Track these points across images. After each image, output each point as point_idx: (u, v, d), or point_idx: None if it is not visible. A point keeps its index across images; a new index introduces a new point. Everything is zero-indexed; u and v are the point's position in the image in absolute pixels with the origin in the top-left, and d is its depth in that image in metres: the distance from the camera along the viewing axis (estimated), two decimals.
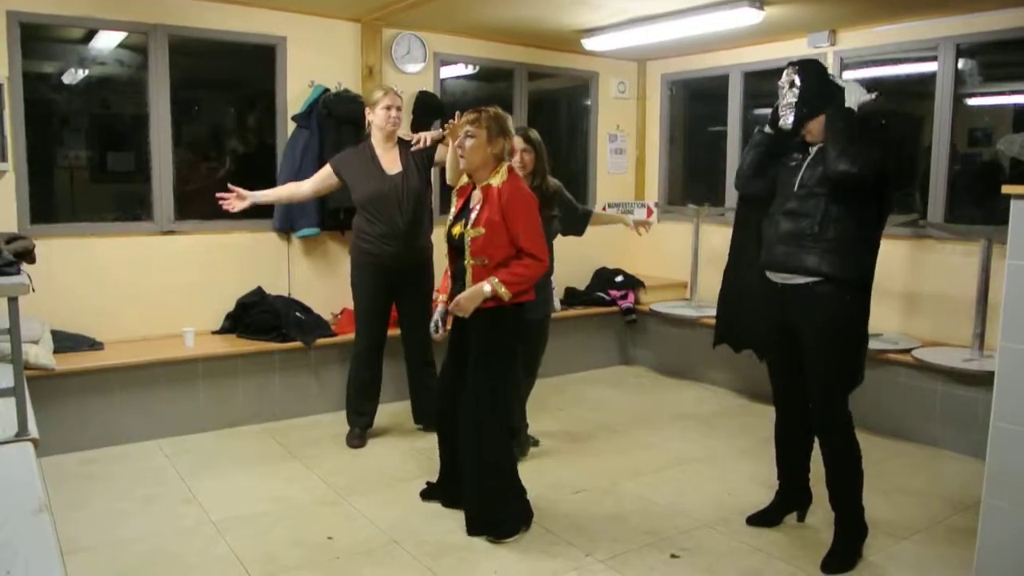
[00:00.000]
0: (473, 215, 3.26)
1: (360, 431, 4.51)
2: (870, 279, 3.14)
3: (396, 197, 4.27)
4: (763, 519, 3.52)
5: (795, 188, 3.13)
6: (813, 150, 3.17)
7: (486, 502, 3.37)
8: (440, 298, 3.62)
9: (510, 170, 3.31)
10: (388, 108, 4.31)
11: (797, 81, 3.14)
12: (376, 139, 4.38)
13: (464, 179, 3.47)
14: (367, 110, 4.41)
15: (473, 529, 3.37)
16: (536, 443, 4.41)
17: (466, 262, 3.27)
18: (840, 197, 3.03)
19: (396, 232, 4.26)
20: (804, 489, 3.50)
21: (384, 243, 4.27)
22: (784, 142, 3.29)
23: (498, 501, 3.37)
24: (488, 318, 3.26)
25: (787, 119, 3.18)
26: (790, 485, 3.50)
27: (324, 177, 4.42)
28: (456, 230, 3.36)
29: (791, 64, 3.22)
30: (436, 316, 3.58)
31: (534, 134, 4.05)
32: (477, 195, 3.33)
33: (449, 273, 3.50)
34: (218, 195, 4.25)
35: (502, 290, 3.18)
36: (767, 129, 3.32)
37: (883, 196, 3.08)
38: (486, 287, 3.19)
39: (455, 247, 3.38)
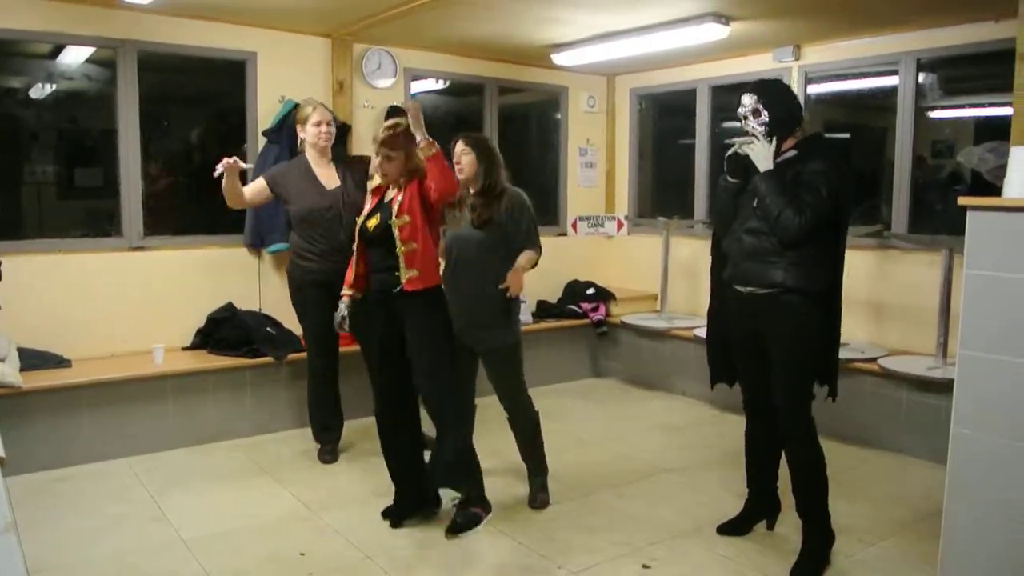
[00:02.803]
0: (395, 206, 3.38)
1: (331, 447, 4.50)
2: (837, 289, 3.19)
3: (338, 211, 4.25)
4: (733, 528, 3.56)
5: (755, 206, 3.16)
6: (778, 160, 3.17)
7: (451, 450, 3.43)
8: (347, 292, 3.66)
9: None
10: (319, 124, 4.31)
11: (761, 109, 3.10)
12: (311, 156, 4.37)
13: (377, 180, 3.59)
14: (298, 127, 4.40)
15: (446, 479, 3.48)
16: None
17: (398, 250, 3.36)
18: None
19: (340, 247, 4.19)
20: (773, 497, 3.54)
21: (328, 260, 4.22)
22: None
23: (468, 456, 3.49)
24: (420, 301, 3.38)
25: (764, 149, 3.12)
26: (759, 493, 3.54)
27: (259, 190, 4.31)
28: (372, 222, 3.48)
29: (750, 90, 3.16)
30: (342, 312, 3.65)
31: (479, 138, 3.80)
32: (392, 192, 3.48)
33: (357, 268, 3.60)
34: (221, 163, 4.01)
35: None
36: (731, 179, 3.29)
37: (840, 212, 3.09)
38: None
39: (367, 239, 3.50)
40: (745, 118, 3.16)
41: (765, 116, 3.10)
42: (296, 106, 5.15)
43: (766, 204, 3.05)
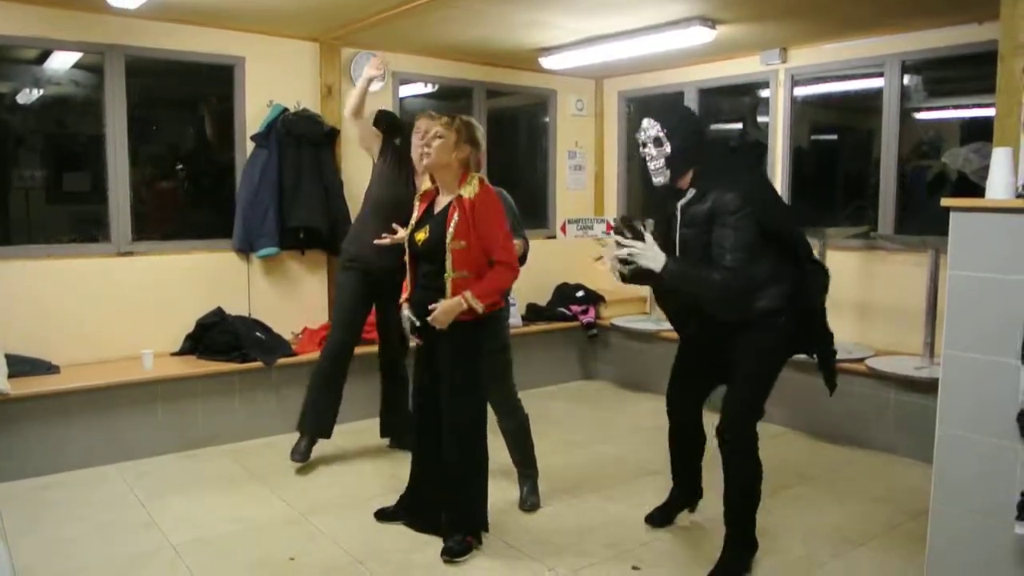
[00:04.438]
0: (451, 227, 3.22)
1: (308, 443, 4.39)
2: (810, 291, 3.13)
3: (399, 200, 4.11)
4: (660, 519, 3.65)
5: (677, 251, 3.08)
6: (682, 202, 3.08)
7: (466, 502, 3.39)
8: (405, 299, 3.50)
9: (481, 181, 3.32)
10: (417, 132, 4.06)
11: (663, 139, 2.98)
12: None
13: (427, 184, 3.48)
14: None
15: (453, 528, 3.38)
16: None
17: (447, 275, 3.23)
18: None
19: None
20: (697, 487, 3.65)
21: (379, 254, 4.09)
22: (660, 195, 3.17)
23: (476, 502, 3.42)
24: (460, 329, 3.26)
25: (660, 178, 3.04)
26: (684, 484, 3.63)
27: (374, 133, 4.40)
28: (420, 236, 3.34)
29: (652, 115, 3.03)
30: (408, 320, 3.45)
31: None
32: (443, 201, 3.32)
33: (409, 277, 3.45)
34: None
35: (476, 304, 3.19)
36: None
37: (772, 224, 2.99)
38: (461, 302, 3.19)
39: (416, 253, 3.37)
40: (644, 144, 3.03)
41: (667, 148, 2.97)
42: (284, 110, 5.17)
43: (692, 291, 2.99)
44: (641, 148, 3.04)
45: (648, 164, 3.02)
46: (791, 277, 3.07)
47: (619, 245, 2.97)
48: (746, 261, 2.87)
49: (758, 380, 3.13)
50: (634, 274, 3.08)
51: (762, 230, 2.93)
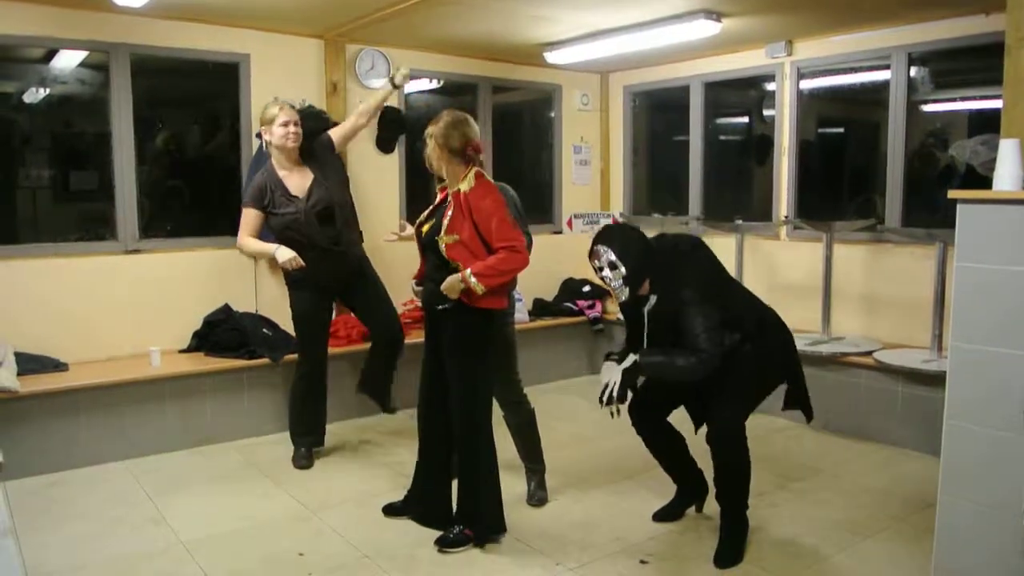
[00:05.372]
0: (445, 221, 3.28)
1: (307, 451, 4.46)
2: (765, 325, 3.35)
3: (308, 216, 4.13)
4: (666, 515, 3.69)
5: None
6: (647, 308, 3.28)
7: (474, 500, 3.39)
8: (413, 283, 3.63)
9: (477, 176, 3.32)
10: (286, 124, 4.10)
11: (617, 261, 3.17)
12: (277, 161, 4.19)
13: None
14: (263, 129, 4.17)
15: (457, 519, 3.41)
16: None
17: (448, 268, 3.28)
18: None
19: (321, 248, 4.17)
20: (699, 482, 3.67)
21: (317, 263, 4.14)
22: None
23: (486, 501, 3.40)
24: (455, 321, 3.31)
25: (622, 296, 3.24)
26: (684, 483, 3.68)
27: (258, 223, 4.17)
28: (426, 227, 3.41)
29: (602, 241, 3.23)
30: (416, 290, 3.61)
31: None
32: (450, 200, 3.36)
33: (421, 265, 3.55)
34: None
35: (473, 282, 3.19)
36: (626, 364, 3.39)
37: (720, 291, 3.25)
38: (460, 278, 3.21)
39: (423, 244, 3.45)
40: (601, 269, 3.23)
41: (623, 269, 3.17)
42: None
43: (667, 377, 3.21)
44: (598, 272, 3.26)
45: (609, 284, 3.25)
46: (748, 319, 3.29)
47: (604, 397, 3.27)
48: (719, 338, 3.10)
49: (740, 400, 3.30)
50: (624, 391, 3.28)
51: (721, 304, 3.16)
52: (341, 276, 4.32)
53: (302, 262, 4.01)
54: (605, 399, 3.25)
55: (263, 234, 4.22)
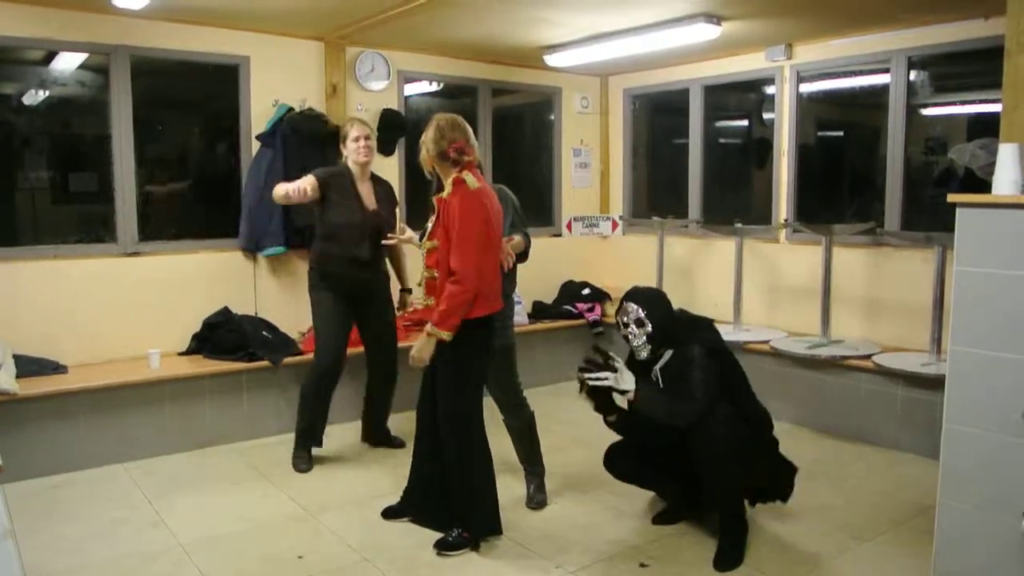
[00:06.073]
0: (429, 226, 3.33)
1: (308, 453, 4.46)
2: (762, 420, 3.48)
3: (366, 230, 4.27)
4: (666, 518, 3.69)
5: (654, 423, 3.33)
6: (659, 365, 3.41)
7: (468, 501, 3.40)
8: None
9: (455, 182, 3.24)
10: (357, 139, 4.28)
11: (645, 319, 3.36)
12: (354, 171, 4.34)
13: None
14: (341, 145, 4.39)
15: (454, 522, 3.41)
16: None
17: (422, 272, 3.34)
18: None
19: (359, 260, 4.28)
20: (692, 492, 3.62)
21: (349, 269, 4.29)
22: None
23: (480, 503, 3.41)
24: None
25: (643, 352, 3.41)
26: (672, 494, 3.71)
27: (304, 189, 4.10)
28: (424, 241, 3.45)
29: (635, 300, 3.42)
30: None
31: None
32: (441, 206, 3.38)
33: None
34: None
35: (439, 332, 3.19)
36: (609, 419, 3.58)
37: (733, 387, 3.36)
38: (428, 336, 3.22)
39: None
40: (627, 325, 3.41)
41: (649, 327, 3.36)
42: (289, 110, 5.18)
43: (655, 413, 3.25)
44: (623, 328, 3.45)
45: (630, 340, 3.44)
46: (748, 406, 3.41)
47: (593, 374, 3.31)
48: (713, 393, 3.21)
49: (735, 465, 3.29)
50: (600, 395, 3.47)
51: (721, 376, 3.29)
52: (364, 290, 4.39)
53: (316, 183, 4.11)
54: (591, 378, 3.30)
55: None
